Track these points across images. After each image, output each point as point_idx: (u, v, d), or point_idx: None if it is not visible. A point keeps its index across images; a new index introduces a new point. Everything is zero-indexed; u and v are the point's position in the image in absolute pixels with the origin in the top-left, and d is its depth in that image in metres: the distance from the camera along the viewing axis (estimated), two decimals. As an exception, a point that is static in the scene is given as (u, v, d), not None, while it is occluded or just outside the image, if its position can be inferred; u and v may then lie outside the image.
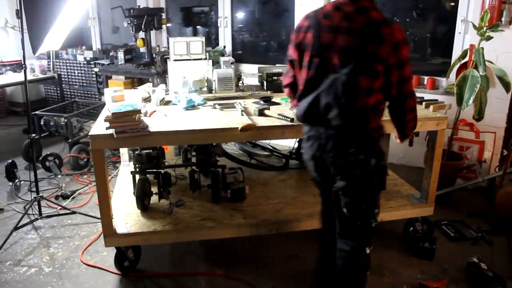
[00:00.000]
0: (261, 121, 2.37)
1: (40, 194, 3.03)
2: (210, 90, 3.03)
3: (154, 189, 2.69)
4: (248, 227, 2.49)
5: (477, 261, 2.40)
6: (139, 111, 2.19)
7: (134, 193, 2.68)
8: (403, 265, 2.55)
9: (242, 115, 2.46)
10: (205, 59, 3.11)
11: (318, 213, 2.23)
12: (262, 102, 2.75)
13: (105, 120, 2.15)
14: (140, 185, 2.56)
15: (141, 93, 2.83)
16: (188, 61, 3.07)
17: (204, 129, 2.26)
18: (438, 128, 2.54)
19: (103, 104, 4.57)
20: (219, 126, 2.28)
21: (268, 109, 2.53)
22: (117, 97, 2.59)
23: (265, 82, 3.17)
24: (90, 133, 2.16)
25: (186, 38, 3.09)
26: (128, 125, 2.14)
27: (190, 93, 2.84)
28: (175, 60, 3.05)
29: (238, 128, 2.23)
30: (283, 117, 2.38)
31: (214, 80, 2.99)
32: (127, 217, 2.54)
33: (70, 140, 4.03)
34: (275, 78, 3.12)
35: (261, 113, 2.48)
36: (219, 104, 2.67)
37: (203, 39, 3.10)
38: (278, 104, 2.76)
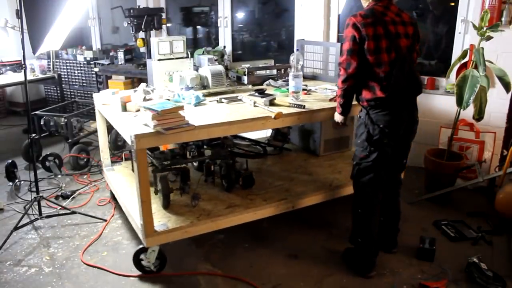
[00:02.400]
0: (278, 110, 2.52)
1: (40, 194, 3.03)
2: (203, 87, 3.07)
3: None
4: (271, 207, 2.70)
5: (477, 261, 2.40)
6: (182, 107, 2.26)
7: (155, 191, 2.71)
8: (403, 265, 2.55)
9: (256, 106, 2.63)
10: (187, 57, 3.21)
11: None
12: (257, 94, 2.90)
13: (153, 118, 2.17)
14: (164, 183, 2.58)
15: (141, 92, 2.83)
16: (171, 60, 3.15)
17: (238, 120, 2.39)
18: None
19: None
20: (243, 117, 2.42)
21: (275, 99, 2.74)
22: (125, 98, 2.61)
23: (245, 77, 3.30)
24: (133, 133, 2.13)
25: (169, 37, 3.17)
26: (174, 121, 2.21)
27: (187, 90, 2.87)
28: (159, 59, 3.11)
29: (271, 116, 2.44)
30: (296, 105, 2.63)
31: (206, 77, 3.04)
32: (154, 215, 2.52)
33: (70, 140, 4.03)
34: (256, 72, 3.37)
35: (271, 103, 2.67)
36: (225, 99, 2.79)
37: (184, 38, 3.21)
38: (271, 95, 2.87)
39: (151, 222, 2.33)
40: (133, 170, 3.11)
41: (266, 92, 2.97)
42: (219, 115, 2.47)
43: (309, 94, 3.02)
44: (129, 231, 2.94)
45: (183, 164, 2.88)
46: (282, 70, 3.44)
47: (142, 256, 2.44)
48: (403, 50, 2.22)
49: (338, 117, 2.52)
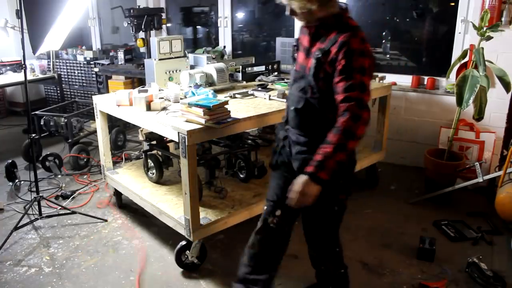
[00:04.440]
0: None
1: (40, 194, 3.02)
2: (209, 84, 3.10)
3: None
4: None
5: (477, 261, 2.40)
6: (227, 102, 2.34)
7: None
8: (403, 265, 2.55)
9: (271, 99, 2.81)
10: (183, 56, 3.27)
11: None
12: (260, 88, 3.08)
13: (204, 114, 2.23)
14: (198, 178, 2.59)
15: (155, 90, 2.85)
16: (170, 59, 3.21)
17: (272, 112, 2.54)
18: (387, 93, 3.37)
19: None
20: (272, 109, 2.57)
21: (285, 92, 2.86)
22: (149, 97, 2.62)
23: (239, 74, 3.44)
24: (186, 130, 2.18)
25: (168, 37, 3.21)
26: (222, 115, 2.30)
27: (196, 88, 2.90)
28: (160, 59, 3.15)
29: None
30: None
31: (211, 74, 3.10)
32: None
33: (70, 140, 4.03)
34: (248, 69, 3.53)
35: (283, 96, 2.80)
36: (238, 94, 2.93)
37: (181, 37, 3.26)
38: (273, 89, 3.09)
39: (198, 216, 2.37)
40: (146, 171, 3.06)
41: (268, 86, 3.15)
42: (248, 108, 2.59)
43: None
44: (129, 231, 2.94)
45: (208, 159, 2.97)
46: (270, 66, 3.68)
47: (186, 253, 2.46)
48: None
49: (315, 190, 1.61)
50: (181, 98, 2.73)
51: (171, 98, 2.75)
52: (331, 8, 1.67)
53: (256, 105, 2.69)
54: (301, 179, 1.61)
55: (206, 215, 2.50)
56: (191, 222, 2.33)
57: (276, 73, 3.67)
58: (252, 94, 2.95)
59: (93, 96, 3.09)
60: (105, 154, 3.19)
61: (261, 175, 3.05)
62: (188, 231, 2.36)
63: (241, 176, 3.00)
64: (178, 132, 2.23)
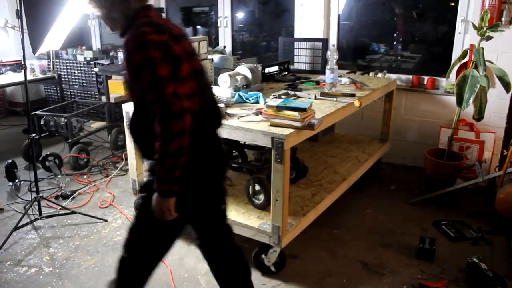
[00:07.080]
0: (343, 100, 2.81)
1: (40, 194, 3.03)
2: (246, 85, 2.97)
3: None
4: (341, 188, 2.98)
5: (477, 261, 2.40)
6: (311, 103, 2.37)
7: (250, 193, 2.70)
8: (403, 265, 2.55)
9: (317, 98, 2.84)
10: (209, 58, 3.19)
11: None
12: (291, 88, 3.09)
13: (300, 117, 2.21)
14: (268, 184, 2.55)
15: None
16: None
17: (335, 110, 2.60)
18: (393, 88, 3.57)
19: (103, 104, 4.58)
20: (332, 109, 2.61)
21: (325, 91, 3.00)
22: None
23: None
24: (285, 134, 2.15)
25: (196, 38, 3.08)
26: (310, 116, 2.31)
27: (236, 90, 2.83)
28: None
29: (354, 103, 2.76)
30: (347, 94, 2.89)
31: (246, 75, 2.97)
32: (260, 216, 2.58)
33: (70, 140, 4.03)
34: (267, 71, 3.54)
35: (324, 94, 2.90)
36: (282, 95, 2.88)
37: (207, 38, 3.17)
38: (301, 89, 3.11)
39: (286, 221, 2.37)
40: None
41: (298, 86, 3.17)
42: None
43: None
44: (129, 231, 2.94)
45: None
46: (282, 66, 3.67)
47: (262, 257, 2.44)
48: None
49: (166, 205, 1.52)
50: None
51: (221, 103, 2.60)
52: (124, 10, 1.58)
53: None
54: (154, 196, 1.54)
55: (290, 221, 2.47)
56: (282, 228, 2.30)
57: (286, 72, 3.64)
58: (295, 95, 2.90)
59: (123, 105, 2.84)
60: (138, 169, 2.94)
61: (305, 173, 3.08)
62: (277, 238, 2.32)
63: (291, 177, 2.90)
64: (273, 138, 2.18)
